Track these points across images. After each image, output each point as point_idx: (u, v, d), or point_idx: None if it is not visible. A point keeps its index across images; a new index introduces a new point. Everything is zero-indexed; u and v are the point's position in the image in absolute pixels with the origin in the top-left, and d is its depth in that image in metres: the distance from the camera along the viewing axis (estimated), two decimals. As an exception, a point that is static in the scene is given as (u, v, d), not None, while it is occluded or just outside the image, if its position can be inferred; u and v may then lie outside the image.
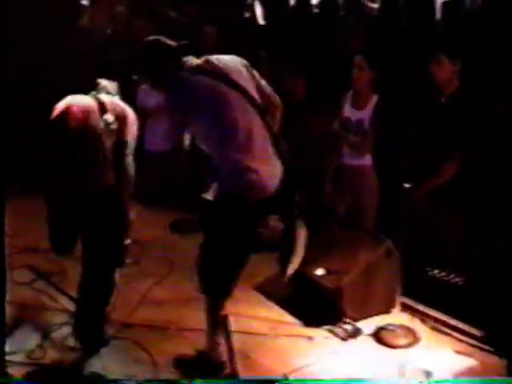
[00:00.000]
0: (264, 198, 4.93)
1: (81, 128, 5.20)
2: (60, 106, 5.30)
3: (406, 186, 5.89)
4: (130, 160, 5.41)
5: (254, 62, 6.72)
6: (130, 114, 5.45)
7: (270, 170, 4.97)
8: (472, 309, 5.96)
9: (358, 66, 6.68)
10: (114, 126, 5.25)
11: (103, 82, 5.54)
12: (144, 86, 8.24)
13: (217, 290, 5.19)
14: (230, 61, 5.06)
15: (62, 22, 9.15)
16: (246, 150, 4.88)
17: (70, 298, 6.15)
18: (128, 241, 5.72)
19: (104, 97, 5.39)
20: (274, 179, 4.98)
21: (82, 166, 5.23)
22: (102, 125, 5.22)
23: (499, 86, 6.23)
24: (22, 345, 5.56)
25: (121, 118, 5.33)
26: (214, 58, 5.05)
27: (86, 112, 5.25)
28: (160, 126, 8.31)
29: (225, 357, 5.33)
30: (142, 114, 8.14)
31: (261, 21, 10.39)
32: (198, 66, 5.00)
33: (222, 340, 5.39)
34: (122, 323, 5.91)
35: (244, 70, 5.07)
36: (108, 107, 5.29)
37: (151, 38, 5.16)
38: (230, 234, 4.96)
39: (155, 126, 8.28)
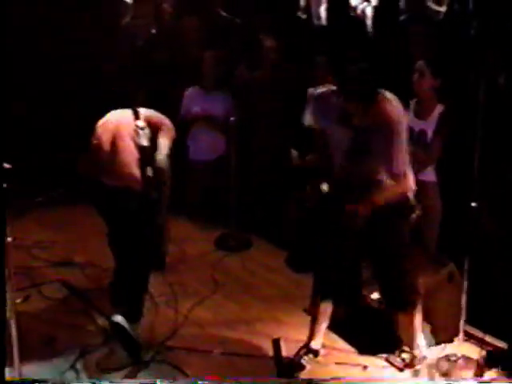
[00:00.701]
0: None
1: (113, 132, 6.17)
2: (99, 124, 6.29)
3: (474, 204, 5.79)
4: (161, 157, 6.17)
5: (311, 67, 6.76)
6: (165, 120, 6.36)
7: None
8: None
9: (419, 71, 6.63)
10: (146, 131, 6.12)
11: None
12: (189, 92, 8.28)
13: None
14: None
15: (103, 21, 9.22)
16: None
17: (107, 317, 6.16)
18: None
19: (140, 109, 6.31)
20: None
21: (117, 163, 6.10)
22: (134, 128, 6.13)
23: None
24: (54, 366, 5.61)
25: (153, 124, 6.23)
26: None
27: (119, 119, 6.25)
28: (204, 135, 8.35)
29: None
30: (185, 122, 8.23)
31: (323, 22, 10.38)
32: None
33: None
34: (162, 345, 5.93)
35: None
36: (141, 115, 6.19)
37: None
38: None
39: (199, 134, 8.32)
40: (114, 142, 6.10)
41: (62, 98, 7.06)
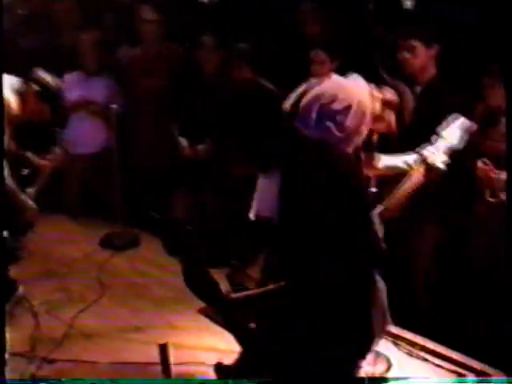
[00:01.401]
0: None
1: None
2: None
3: (373, 191, 5.74)
4: None
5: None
6: None
7: None
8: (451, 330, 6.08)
9: (316, 59, 6.65)
10: None
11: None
12: (68, 77, 8.07)
13: None
14: None
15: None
16: None
17: None
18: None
19: None
20: None
21: None
22: None
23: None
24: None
25: None
26: None
27: None
28: (85, 125, 8.16)
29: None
30: (64, 111, 8.00)
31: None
32: None
33: None
34: (44, 359, 5.74)
35: None
36: None
37: None
38: None
39: (79, 124, 8.18)
40: None
41: None
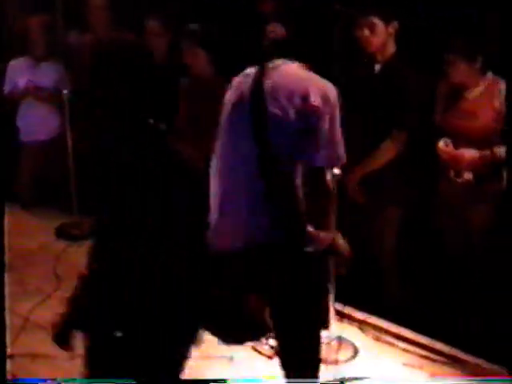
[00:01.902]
0: None
1: None
2: None
3: (337, 172, 5.74)
4: None
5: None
6: None
7: None
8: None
9: (273, 32, 6.60)
10: None
11: None
12: (14, 64, 8.04)
13: None
14: None
15: None
16: None
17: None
18: None
19: None
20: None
21: None
22: None
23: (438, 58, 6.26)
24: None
25: None
26: None
27: None
28: (36, 112, 8.14)
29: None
30: (12, 98, 7.98)
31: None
32: None
33: None
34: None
35: None
36: None
37: None
38: None
39: (29, 111, 8.12)
40: None
41: None
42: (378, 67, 6.33)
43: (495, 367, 5.57)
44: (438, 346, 5.83)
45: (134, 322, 4.23)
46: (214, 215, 4.59)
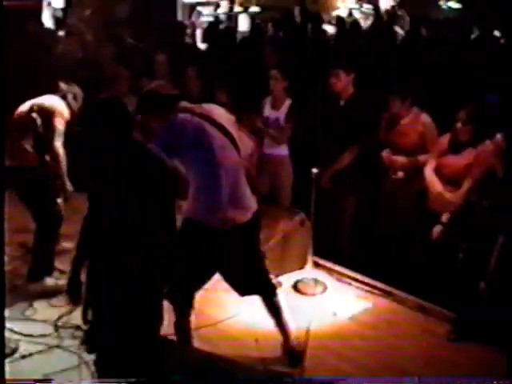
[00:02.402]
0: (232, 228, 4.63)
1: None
2: None
3: (315, 170, 5.98)
4: (56, 143, 5.71)
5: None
6: (58, 108, 5.75)
7: (241, 208, 4.71)
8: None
9: (274, 77, 6.73)
10: (38, 119, 5.71)
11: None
12: None
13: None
14: (219, 110, 4.83)
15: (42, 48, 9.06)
16: (230, 191, 4.60)
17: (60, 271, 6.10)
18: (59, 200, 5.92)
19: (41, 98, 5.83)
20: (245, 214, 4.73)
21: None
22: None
23: (384, 95, 6.35)
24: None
25: (45, 111, 5.73)
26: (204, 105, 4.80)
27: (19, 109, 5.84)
28: None
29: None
30: None
31: (201, 44, 10.44)
32: (190, 108, 4.66)
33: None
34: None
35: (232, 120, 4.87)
36: (34, 106, 5.78)
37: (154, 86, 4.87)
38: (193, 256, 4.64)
39: None
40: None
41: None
42: (342, 102, 6.39)
43: (415, 299, 5.63)
44: (377, 284, 5.89)
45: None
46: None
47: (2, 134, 3.91)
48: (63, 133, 5.78)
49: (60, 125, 5.75)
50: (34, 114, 5.78)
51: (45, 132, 5.74)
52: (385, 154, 6.22)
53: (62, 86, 5.94)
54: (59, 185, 5.91)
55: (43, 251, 5.98)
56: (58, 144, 5.74)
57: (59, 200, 5.95)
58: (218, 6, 14.72)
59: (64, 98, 5.90)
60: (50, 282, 5.92)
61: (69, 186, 5.95)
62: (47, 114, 5.76)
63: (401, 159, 6.13)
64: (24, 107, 5.87)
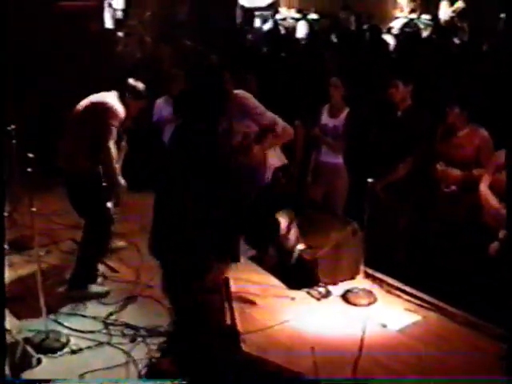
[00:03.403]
0: None
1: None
2: None
3: (370, 180, 5.95)
4: (110, 144, 5.59)
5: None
6: (111, 108, 5.62)
7: None
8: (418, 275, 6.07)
9: (333, 84, 6.72)
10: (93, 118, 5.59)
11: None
12: (159, 101, 8.13)
13: None
14: None
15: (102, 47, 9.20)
16: None
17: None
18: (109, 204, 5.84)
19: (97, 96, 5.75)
20: None
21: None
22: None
23: (440, 108, 6.29)
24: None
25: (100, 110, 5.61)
26: None
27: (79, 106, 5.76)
28: None
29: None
30: (160, 123, 8.12)
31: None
32: None
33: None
34: (146, 284, 5.94)
35: None
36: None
37: None
38: None
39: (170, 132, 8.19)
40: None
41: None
42: (399, 113, 6.39)
43: (466, 314, 5.55)
44: (427, 298, 5.82)
45: None
46: None
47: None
48: (117, 133, 5.69)
49: (114, 124, 5.63)
50: (90, 112, 5.68)
51: (99, 131, 5.61)
52: (439, 166, 6.17)
53: (130, 81, 5.87)
54: (110, 186, 5.78)
55: (88, 259, 5.86)
56: (111, 144, 5.61)
57: (109, 204, 5.85)
58: (276, 11, 14.77)
59: (123, 95, 5.80)
60: (93, 289, 5.90)
61: (121, 185, 5.86)
62: (102, 112, 5.64)
63: (455, 172, 6.09)
64: (80, 106, 5.79)
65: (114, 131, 5.62)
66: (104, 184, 5.69)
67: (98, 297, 5.81)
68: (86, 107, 5.72)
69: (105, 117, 5.59)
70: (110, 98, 5.73)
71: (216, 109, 4.01)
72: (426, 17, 14.45)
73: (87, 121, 5.66)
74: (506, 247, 5.14)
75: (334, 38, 11.32)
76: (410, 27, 12.85)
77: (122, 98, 5.76)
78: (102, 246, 5.90)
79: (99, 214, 5.74)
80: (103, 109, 5.63)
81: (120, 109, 5.70)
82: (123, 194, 5.92)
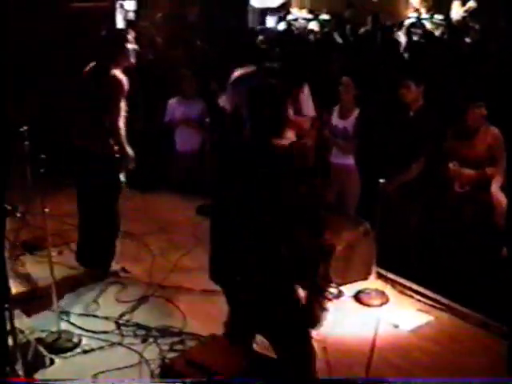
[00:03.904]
0: None
1: None
2: None
3: (381, 181, 5.94)
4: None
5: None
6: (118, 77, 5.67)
7: None
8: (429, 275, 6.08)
9: (345, 84, 6.71)
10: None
11: None
12: (172, 101, 8.13)
13: None
14: None
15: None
16: None
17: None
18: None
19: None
20: None
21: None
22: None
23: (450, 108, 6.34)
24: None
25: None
26: None
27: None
28: (186, 133, 8.26)
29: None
30: (172, 123, 8.14)
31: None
32: None
33: None
34: (158, 285, 5.96)
35: None
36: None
37: None
38: None
39: (182, 133, 8.27)
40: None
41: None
42: (411, 113, 6.39)
43: (478, 315, 5.54)
44: (440, 298, 5.81)
45: None
46: None
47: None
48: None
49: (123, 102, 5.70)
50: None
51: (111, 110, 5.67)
52: (452, 165, 6.16)
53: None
54: (121, 157, 5.82)
55: (104, 239, 6.02)
56: (121, 124, 5.71)
57: (122, 177, 5.91)
58: (288, 12, 14.78)
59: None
60: (112, 267, 6.05)
61: (129, 155, 5.86)
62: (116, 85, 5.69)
63: (468, 172, 6.08)
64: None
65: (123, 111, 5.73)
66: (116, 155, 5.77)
67: (117, 275, 5.98)
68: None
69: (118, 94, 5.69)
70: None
71: (272, 133, 3.92)
72: (438, 17, 14.41)
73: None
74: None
75: (338, 38, 11.29)
76: (416, 27, 12.79)
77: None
78: (114, 225, 6.03)
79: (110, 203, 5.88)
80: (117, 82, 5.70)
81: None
82: (132, 165, 5.94)
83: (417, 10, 14.91)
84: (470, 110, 6.02)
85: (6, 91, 5.50)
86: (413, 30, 12.07)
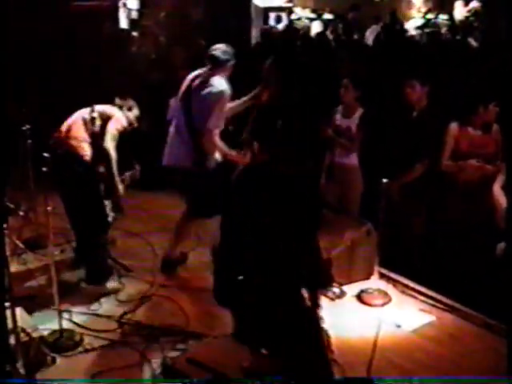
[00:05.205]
0: None
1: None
2: None
3: (385, 181, 5.93)
4: (108, 145, 5.63)
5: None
6: (115, 116, 5.80)
7: None
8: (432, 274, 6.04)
9: (345, 86, 6.71)
10: (97, 121, 5.65)
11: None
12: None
13: None
14: None
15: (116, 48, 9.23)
16: None
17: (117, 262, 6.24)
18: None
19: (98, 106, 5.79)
20: None
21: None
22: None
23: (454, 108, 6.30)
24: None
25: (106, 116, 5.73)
26: None
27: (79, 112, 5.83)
28: None
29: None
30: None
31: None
32: None
33: None
34: (160, 284, 5.98)
35: None
36: (96, 110, 5.70)
37: None
38: None
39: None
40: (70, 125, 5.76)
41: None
42: (415, 113, 6.36)
43: (480, 315, 5.53)
44: (442, 298, 5.81)
45: None
46: None
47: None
48: (116, 139, 5.74)
49: (115, 129, 5.73)
50: (95, 114, 5.72)
51: (99, 132, 5.69)
52: (475, 162, 6.10)
53: (117, 100, 6.00)
54: (109, 187, 5.78)
55: (96, 256, 5.91)
56: (109, 145, 5.65)
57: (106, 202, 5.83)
58: (290, 11, 14.74)
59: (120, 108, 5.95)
60: (110, 285, 5.97)
61: (120, 189, 5.86)
62: (106, 117, 5.76)
63: (488, 167, 6.05)
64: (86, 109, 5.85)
65: (114, 136, 5.73)
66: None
67: (115, 292, 5.87)
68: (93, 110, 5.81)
69: (108, 121, 5.74)
70: (115, 109, 5.94)
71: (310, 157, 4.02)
72: (443, 16, 14.35)
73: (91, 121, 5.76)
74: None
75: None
76: (428, 27, 12.73)
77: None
78: (101, 241, 5.93)
79: (96, 208, 5.78)
80: (108, 115, 5.80)
81: (123, 119, 5.90)
82: (121, 201, 5.90)
83: (429, 11, 14.86)
84: (484, 108, 6.02)
85: (6, 91, 5.52)
86: (426, 30, 12.02)
